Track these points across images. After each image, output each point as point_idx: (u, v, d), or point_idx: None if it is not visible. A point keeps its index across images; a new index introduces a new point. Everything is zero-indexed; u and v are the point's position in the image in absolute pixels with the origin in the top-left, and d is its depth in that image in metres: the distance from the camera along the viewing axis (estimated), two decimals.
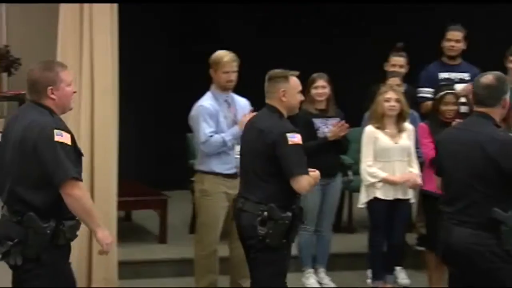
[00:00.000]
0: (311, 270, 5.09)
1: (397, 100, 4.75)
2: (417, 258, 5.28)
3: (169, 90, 6.72)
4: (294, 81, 3.78)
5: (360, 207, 4.94)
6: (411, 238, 5.45)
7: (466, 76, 5.41)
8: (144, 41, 6.58)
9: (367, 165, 4.76)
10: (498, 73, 3.48)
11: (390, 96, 4.75)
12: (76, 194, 3.08)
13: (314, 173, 3.71)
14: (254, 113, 4.51)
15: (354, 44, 7.00)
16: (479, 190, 3.29)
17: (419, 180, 4.76)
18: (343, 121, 4.83)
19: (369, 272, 5.04)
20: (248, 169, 3.76)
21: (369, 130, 4.80)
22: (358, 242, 5.38)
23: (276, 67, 3.88)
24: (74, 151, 3.16)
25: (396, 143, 4.76)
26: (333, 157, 4.94)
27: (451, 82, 5.28)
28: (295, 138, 3.61)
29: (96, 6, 4.57)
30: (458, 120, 4.68)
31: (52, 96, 3.18)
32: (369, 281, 5.04)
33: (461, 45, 5.43)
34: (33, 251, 3.08)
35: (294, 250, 5.15)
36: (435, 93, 4.99)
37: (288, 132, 3.61)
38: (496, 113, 3.39)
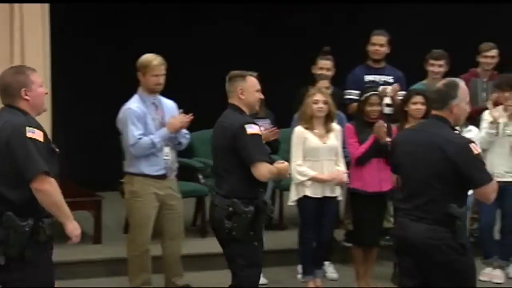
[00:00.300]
0: None
1: (325, 102, 4.90)
2: (345, 253, 5.48)
3: (102, 90, 6.71)
4: (252, 80, 3.97)
5: (290, 204, 5.07)
6: (339, 234, 5.64)
7: (390, 78, 5.64)
8: (76, 41, 6.56)
9: (297, 164, 4.89)
10: (451, 79, 3.68)
11: (319, 98, 4.90)
12: (46, 189, 3.15)
13: (283, 164, 3.90)
14: (184, 115, 4.63)
15: (282, 46, 7.16)
16: (437, 188, 3.46)
17: (345, 178, 4.94)
18: (274, 127, 4.90)
19: (299, 268, 5.20)
20: (217, 164, 3.97)
21: (299, 130, 4.94)
22: (289, 238, 5.53)
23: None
24: (46, 147, 3.24)
25: (324, 143, 4.91)
26: None
27: (376, 85, 5.48)
28: (252, 128, 3.81)
29: (27, 6, 4.56)
30: (380, 121, 4.92)
31: (26, 97, 3.26)
32: (299, 276, 5.20)
33: (385, 49, 5.65)
34: (15, 250, 3.15)
35: None
36: (360, 95, 5.16)
37: (246, 124, 3.80)
38: (447, 116, 3.55)
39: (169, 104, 4.76)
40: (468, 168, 3.43)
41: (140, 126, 4.54)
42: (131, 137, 4.52)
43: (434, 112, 3.61)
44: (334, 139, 4.95)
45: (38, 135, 3.19)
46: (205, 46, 6.90)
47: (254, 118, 4.97)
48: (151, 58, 4.59)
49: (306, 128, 4.92)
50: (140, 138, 4.52)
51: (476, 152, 3.45)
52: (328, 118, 4.94)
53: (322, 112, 4.90)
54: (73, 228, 3.24)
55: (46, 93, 3.42)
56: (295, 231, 5.23)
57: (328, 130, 4.94)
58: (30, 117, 3.28)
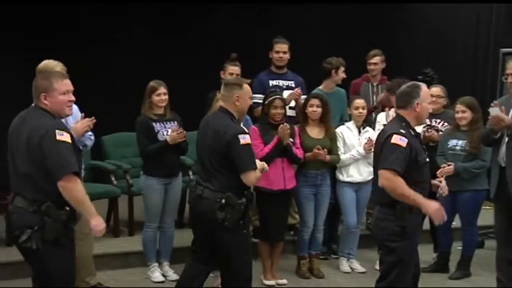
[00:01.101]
0: (156, 264, 5.37)
1: None
2: (252, 249, 5.70)
3: (13, 93, 6.67)
4: (247, 88, 4.24)
5: None
6: None
7: (292, 83, 5.94)
8: None
9: None
10: (414, 82, 4.07)
11: None
12: (72, 187, 3.41)
13: (261, 165, 4.19)
14: (87, 119, 4.62)
15: (191, 51, 7.35)
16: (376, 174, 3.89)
17: None
18: (180, 127, 5.12)
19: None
20: (205, 161, 4.17)
21: None
22: None
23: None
24: (73, 148, 3.49)
25: None
26: (174, 158, 5.23)
27: (280, 89, 5.75)
28: (245, 138, 4.09)
29: None
30: (284, 123, 5.20)
31: (45, 101, 3.51)
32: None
33: (287, 56, 5.94)
34: (51, 236, 3.47)
35: (139, 246, 5.47)
36: (265, 99, 5.40)
37: (240, 134, 4.07)
38: (410, 115, 3.92)
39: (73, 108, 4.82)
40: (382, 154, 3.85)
41: None
42: None
43: (397, 111, 4.01)
44: None
45: (66, 137, 3.46)
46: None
47: (162, 121, 5.19)
48: (53, 65, 4.58)
49: None
50: None
51: (393, 141, 3.80)
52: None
53: None
54: (96, 223, 3.52)
55: (71, 101, 3.61)
56: None
57: None
58: (58, 119, 3.56)
